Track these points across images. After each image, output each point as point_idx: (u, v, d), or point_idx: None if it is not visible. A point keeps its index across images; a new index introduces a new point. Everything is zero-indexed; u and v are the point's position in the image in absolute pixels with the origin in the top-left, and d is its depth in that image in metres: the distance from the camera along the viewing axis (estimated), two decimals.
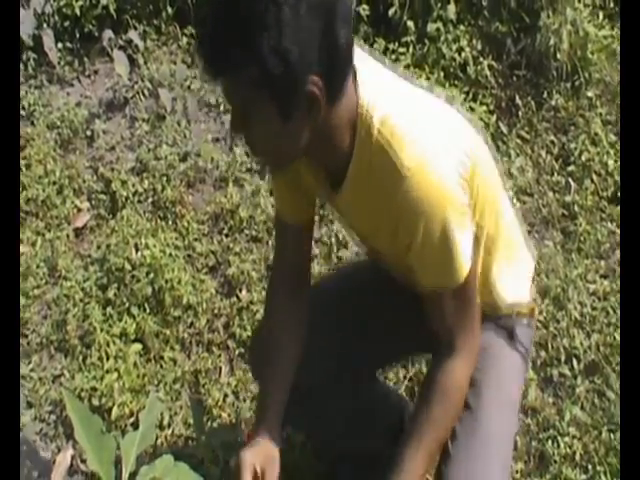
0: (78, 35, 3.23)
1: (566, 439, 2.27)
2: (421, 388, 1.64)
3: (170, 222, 2.73)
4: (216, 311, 2.53)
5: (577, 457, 2.23)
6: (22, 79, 3.09)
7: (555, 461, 2.24)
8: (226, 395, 2.34)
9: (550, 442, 2.27)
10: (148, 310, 2.49)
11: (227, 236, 2.71)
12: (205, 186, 2.85)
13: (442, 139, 1.40)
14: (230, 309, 2.53)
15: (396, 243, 1.44)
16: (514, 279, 1.70)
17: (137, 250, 2.60)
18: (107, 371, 2.35)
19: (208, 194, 2.83)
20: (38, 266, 2.59)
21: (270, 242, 2.67)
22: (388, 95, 1.42)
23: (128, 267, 2.55)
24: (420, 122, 1.40)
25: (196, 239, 2.68)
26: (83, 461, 2.19)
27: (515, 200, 2.85)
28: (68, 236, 2.70)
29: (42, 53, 3.10)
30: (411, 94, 1.47)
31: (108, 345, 2.40)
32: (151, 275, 2.53)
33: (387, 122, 1.37)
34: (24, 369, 2.35)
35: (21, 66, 3.08)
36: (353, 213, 1.57)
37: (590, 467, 2.20)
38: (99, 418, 1.57)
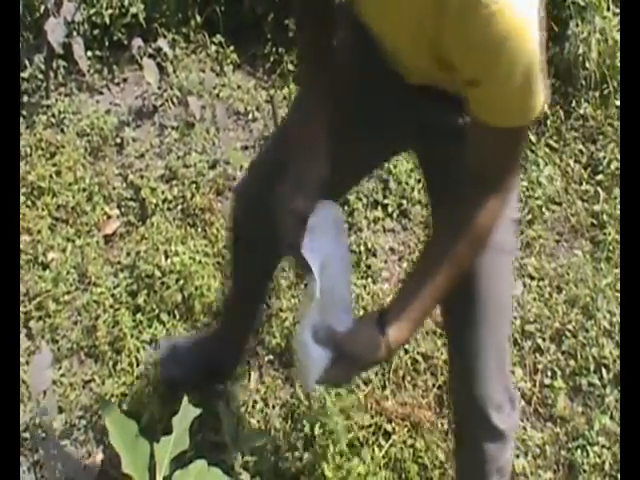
0: (108, 43, 3.24)
1: (595, 448, 2.27)
2: (446, 216, 1.48)
3: (199, 229, 2.74)
4: None
5: (606, 467, 2.23)
6: (52, 87, 3.11)
7: (584, 470, 2.24)
8: (255, 401, 2.35)
9: (579, 451, 2.27)
10: (178, 317, 2.50)
11: None
12: None
13: None
14: None
15: (447, 71, 1.29)
16: None
17: (167, 257, 2.62)
18: (137, 377, 2.36)
19: None
20: (68, 272, 2.61)
21: None
22: None
23: (158, 274, 2.56)
24: None
25: (225, 246, 2.69)
26: (114, 466, 2.20)
27: (544, 209, 2.85)
28: (98, 243, 2.71)
29: (72, 61, 3.10)
30: None
31: (138, 351, 2.42)
32: (181, 282, 2.54)
33: None
34: (55, 375, 2.37)
35: (51, 74, 3.10)
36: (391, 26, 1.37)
37: (620, 477, 2.20)
38: (134, 422, 1.59)
